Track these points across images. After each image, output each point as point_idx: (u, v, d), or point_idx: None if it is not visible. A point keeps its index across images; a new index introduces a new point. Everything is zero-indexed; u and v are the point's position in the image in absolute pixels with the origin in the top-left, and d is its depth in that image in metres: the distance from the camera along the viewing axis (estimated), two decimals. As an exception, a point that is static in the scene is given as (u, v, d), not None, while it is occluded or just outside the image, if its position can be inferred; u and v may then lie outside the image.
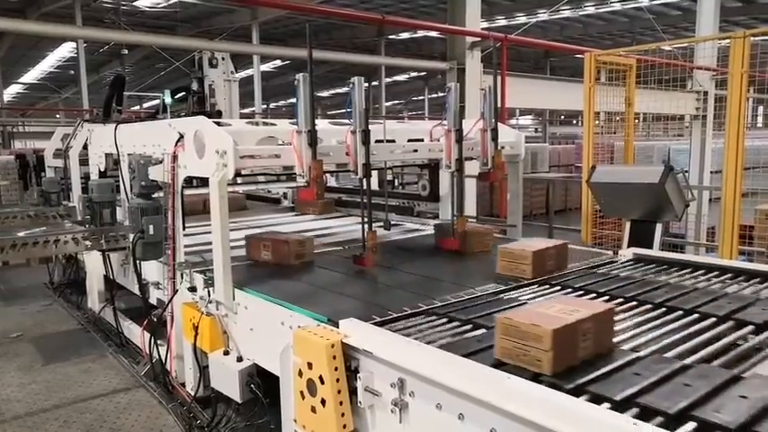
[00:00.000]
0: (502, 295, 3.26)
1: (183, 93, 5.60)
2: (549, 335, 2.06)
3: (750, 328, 2.64)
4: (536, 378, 2.09)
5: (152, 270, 4.71)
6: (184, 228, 4.21)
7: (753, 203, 5.87)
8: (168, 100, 5.26)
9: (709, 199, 8.70)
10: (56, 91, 27.86)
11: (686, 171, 6.96)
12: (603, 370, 2.13)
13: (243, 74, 19.82)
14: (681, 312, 2.86)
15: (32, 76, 27.10)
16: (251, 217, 6.77)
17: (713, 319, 2.76)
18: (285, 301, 3.23)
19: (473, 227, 5.07)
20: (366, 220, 4.04)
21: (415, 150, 4.52)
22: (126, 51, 19.73)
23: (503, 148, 4.77)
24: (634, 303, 3.04)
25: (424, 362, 2.23)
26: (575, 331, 2.16)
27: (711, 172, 10.21)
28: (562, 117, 34.47)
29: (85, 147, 6.12)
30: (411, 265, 4.15)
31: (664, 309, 2.93)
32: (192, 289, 3.93)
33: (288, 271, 4.07)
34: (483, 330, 2.66)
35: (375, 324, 2.74)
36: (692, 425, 1.76)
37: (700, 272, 3.70)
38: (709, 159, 10.35)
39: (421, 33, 21.87)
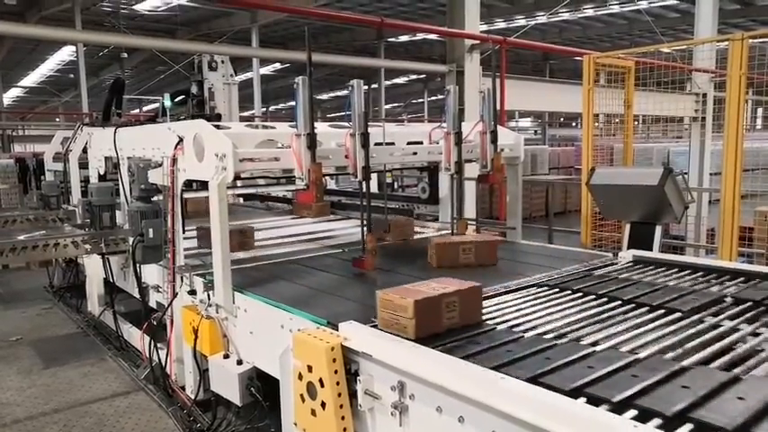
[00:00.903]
0: (497, 299, 3.25)
1: (183, 96, 5.62)
2: (412, 305, 2.50)
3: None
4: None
5: (152, 273, 4.71)
6: (184, 231, 4.21)
7: (752, 205, 5.89)
8: (168, 103, 5.28)
9: (709, 201, 8.72)
10: (55, 94, 27.92)
11: (685, 173, 6.97)
12: (462, 335, 2.56)
13: (242, 77, 19.80)
14: (647, 308, 2.96)
15: (32, 79, 27.12)
16: (248, 220, 6.74)
17: (678, 314, 2.85)
18: (285, 304, 3.23)
19: (395, 218, 5.33)
20: (365, 222, 4.04)
21: (415, 153, 4.52)
22: (125, 55, 19.81)
23: (502, 150, 4.77)
24: (605, 300, 3.13)
25: (424, 364, 2.23)
26: (437, 303, 2.59)
27: (711, 174, 10.24)
28: (561, 119, 34.50)
29: (85, 150, 6.12)
30: (410, 268, 4.15)
31: (632, 305, 3.03)
32: (192, 292, 3.93)
33: (287, 273, 4.07)
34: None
35: (375, 327, 2.73)
36: (500, 375, 2.05)
37: (698, 273, 3.69)
38: (708, 161, 10.37)
39: (420, 36, 21.89)
